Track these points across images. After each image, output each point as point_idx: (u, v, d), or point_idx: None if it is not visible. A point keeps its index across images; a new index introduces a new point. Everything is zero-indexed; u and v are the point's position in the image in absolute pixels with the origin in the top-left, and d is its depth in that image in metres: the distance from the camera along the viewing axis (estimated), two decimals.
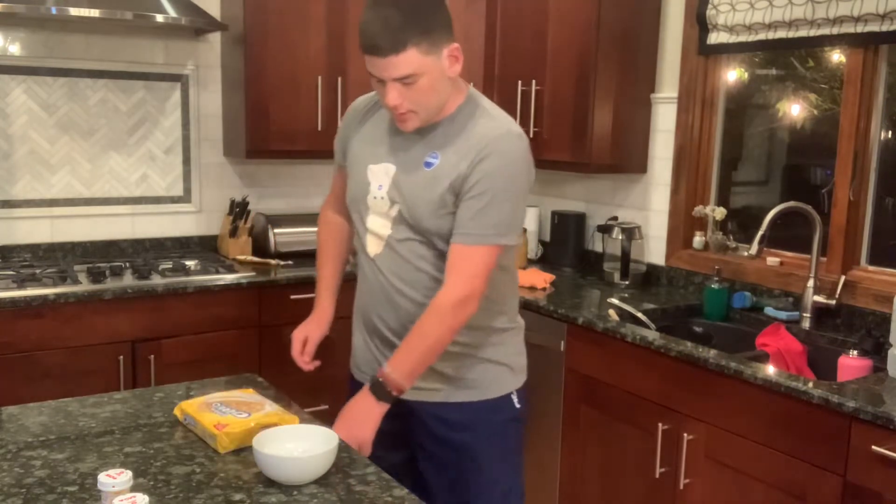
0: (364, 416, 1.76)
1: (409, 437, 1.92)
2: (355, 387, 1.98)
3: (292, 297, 3.22)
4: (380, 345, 1.92)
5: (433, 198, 1.76)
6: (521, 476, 2.02)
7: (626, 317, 2.83)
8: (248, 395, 1.77)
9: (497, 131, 1.77)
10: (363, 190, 1.86)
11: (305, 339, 2.05)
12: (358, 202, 1.89)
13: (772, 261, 2.94)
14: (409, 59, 1.66)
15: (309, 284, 3.23)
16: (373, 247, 1.86)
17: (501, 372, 1.92)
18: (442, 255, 1.80)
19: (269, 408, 1.67)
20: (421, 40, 1.66)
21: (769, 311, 2.84)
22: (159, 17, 3.01)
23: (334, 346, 3.31)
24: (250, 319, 3.16)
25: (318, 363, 2.04)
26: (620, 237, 3.29)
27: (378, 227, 1.84)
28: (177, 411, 1.72)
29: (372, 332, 1.94)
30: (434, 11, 1.70)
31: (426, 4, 1.69)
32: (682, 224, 3.24)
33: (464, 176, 1.73)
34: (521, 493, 2.01)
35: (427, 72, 1.69)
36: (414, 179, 1.79)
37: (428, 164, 1.78)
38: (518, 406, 1.95)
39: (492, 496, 1.93)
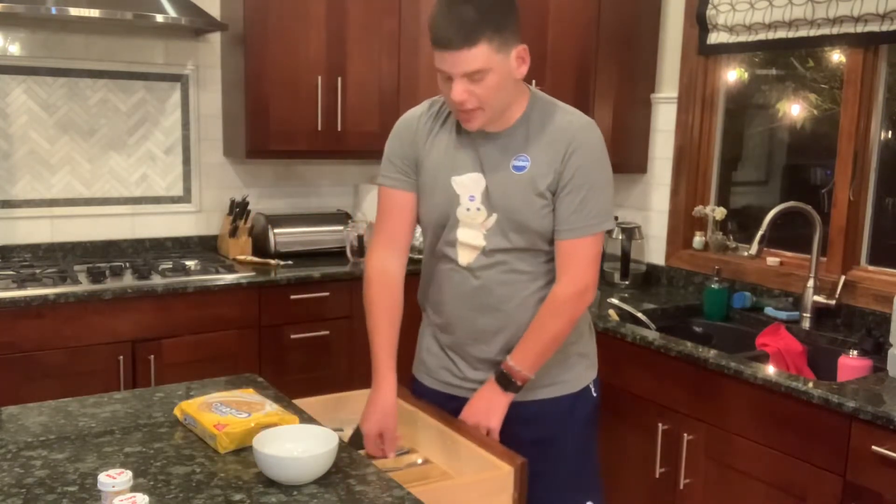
0: (492, 405, 1.82)
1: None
2: (422, 391, 2.00)
3: (292, 297, 3.22)
4: (469, 354, 1.90)
5: (534, 200, 1.77)
6: (599, 467, 2.04)
7: (626, 317, 2.83)
8: (248, 395, 1.77)
9: (577, 124, 1.80)
10: (450, 203, 1.83)
11: (380, 432, 1.81)
12: (445, 217, 1.85)
13: (772, 261, 2.94)
14: (480, 55, 1.66)
15: (308, 284, 3.26)
16: (465, 257, 1.84)
17: (582, 363, 1.95)
18: (537, 255, 1.82)
19: (269, 408, 1.67)
20: (493, 37, 1.66)
21: (769, 311, 2.84)
22: (159, 17, 3.01)
23: (332, 345, 3.33)
24: (250, 319, 3.16)
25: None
26: (620, 237, 3.29)
27: (470, 238, 1.83)
28: (177, 411, 1.72)
29: (462, 344, 1.91)
30: (507, 11, 1.70)
31: (500, 3, 1.70)
32: (682, 224, 3.24)
33: (559, 172, 1.76)
34: (599, 484, 2.03)
35: (495, 69, 1.69)
36: (508, 186, 1.78)
37: (518, 168, 1.78)
38: (595, 395, 1.98)
39: (574, 488, 1.94)
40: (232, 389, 1.86)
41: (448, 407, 1.90)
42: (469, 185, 1.81)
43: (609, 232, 3.32)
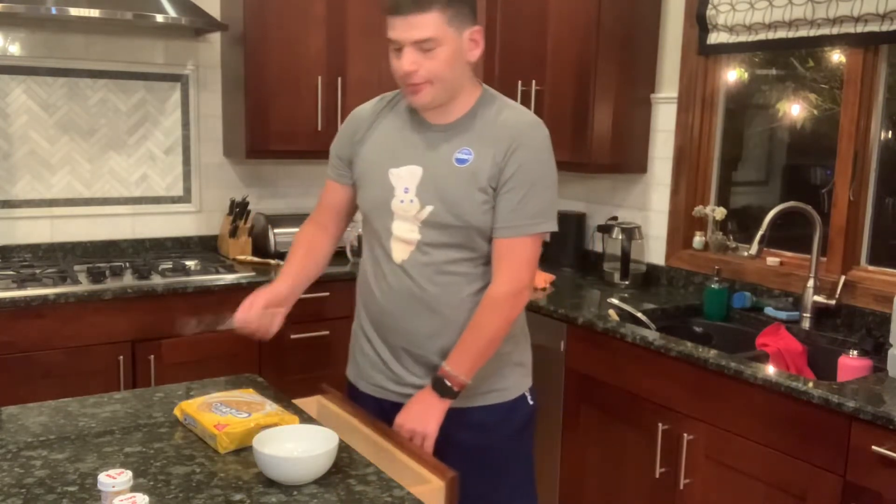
0: (427, 412, 1.78)
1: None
2: (356, 396, 1.96)
3: None
4: (404, 357, 1.87)
5: (475, 194, 1.75)
6: (534, 475, 2.02)
7: (626, 317, 2.83)
8: (248, 395, 1.77)
9: (523, 122, 1.80)
10: (386, 195, 1.82)
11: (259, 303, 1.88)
12: (380, 209, 1.84)
13: (772, 261, 2.94)
14: (431, 22, 1.66)
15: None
16: (399, 252, 1.82)
17: (517, 372, 1.93)
18: (473, 255, 1.80)
19: (269, 408, 1.67)
20: (446, 8, 1.67)
21: (769, 311, 2.84)
22: (159, 17, 3.02)
23: (332, 345, 3.33)
24: None
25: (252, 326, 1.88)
26: (620, 237, 3.29)
27: (405, 231, 1.81)
28: (177, 411, 1.72)
29: (396, 346, 1.87)
30: None
31: None
32: (682, 224, 3.24)
33: (500, 168, 1.75)
34: (535, 492, 2.01)
35: (447, 42, 1.69)
36: (449, 178, 1.77)
37: (461, 161, 1.77)
38: (531, 404, 1.95)
39: (508, 496, 1.93)
40: (232, 389, 1.86)
41: (382, 412, 1.86)
42: (405, 177, 1.80)
43: (609, 232, 3.34)
